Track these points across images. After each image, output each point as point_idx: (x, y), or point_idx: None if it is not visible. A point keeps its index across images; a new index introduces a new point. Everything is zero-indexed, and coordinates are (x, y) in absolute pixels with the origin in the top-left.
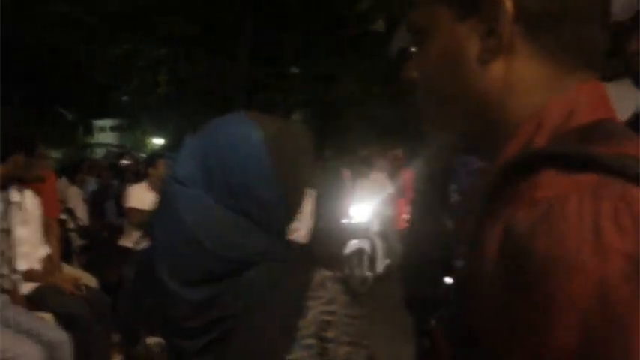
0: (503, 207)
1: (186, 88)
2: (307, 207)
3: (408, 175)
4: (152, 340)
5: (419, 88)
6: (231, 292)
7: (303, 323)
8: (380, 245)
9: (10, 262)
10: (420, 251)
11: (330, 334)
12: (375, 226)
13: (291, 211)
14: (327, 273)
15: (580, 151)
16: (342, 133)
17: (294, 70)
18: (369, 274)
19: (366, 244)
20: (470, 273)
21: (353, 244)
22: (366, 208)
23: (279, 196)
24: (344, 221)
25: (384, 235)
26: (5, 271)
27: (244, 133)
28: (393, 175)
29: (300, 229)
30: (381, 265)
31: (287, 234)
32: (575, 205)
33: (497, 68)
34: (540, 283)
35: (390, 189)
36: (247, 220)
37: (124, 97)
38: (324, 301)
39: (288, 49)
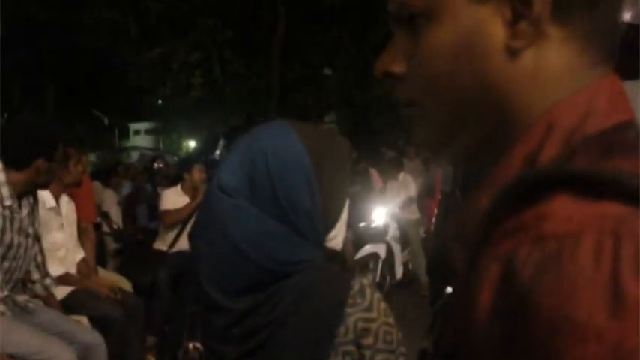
0: (502, 241)
1: (220, 91)
2: (344, 215)
3: (438, 176)
4: (192, 345)
5: (409, 86)
6: (273, 299)
7: (342, 330)
8: (398, 250)
9: (39, 267)
10: (442, 255)
11: (368, 341)
12: (392, 230)
13: (331, 220)
14: (365, 280)
15: (604, 173)
16: (374, 136)
17: (327, 71)
18: (385, 279)
19: (381, 249)
20: (460, 318)
21: (367, 249)
22: (384, 210)
23: (321, 206)
24: (361, 225)
25: (404, 239)
26: (36, 276)
27: (289, 143)
28: (422, 175)
29: (337, 237)
30: (399, 270)
31: (325, 242)
32: (591, 246)
33: (526, 59)
34: (544, 348)
35: (412, 191)
36: (290, 230)
37: (159, 101)
38: (362, 308)
39: (321, 51)
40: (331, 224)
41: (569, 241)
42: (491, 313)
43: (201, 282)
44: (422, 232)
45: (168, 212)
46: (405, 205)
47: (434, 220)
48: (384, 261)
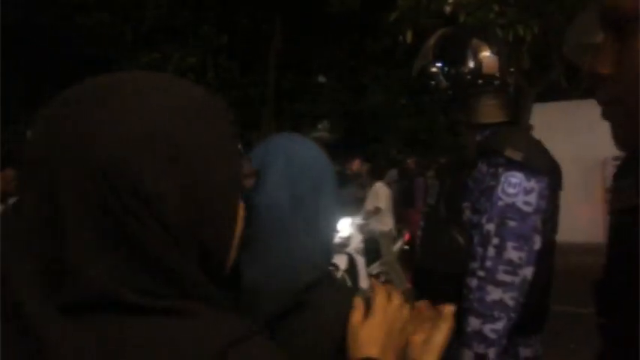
0: None
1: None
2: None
3: (419, 184)
4: None
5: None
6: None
7: None
8: (362, 262)
9: None
10: (431, 267)
11: None
12: (356, 242)
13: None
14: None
15: None
16: (368, 144)
17: (322, 80)
18: None
19: (341, 261)
20: None
21: None
22: (348, 221)
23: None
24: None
25: (375, 251)
26: None
27: (316, 155)
28: (399, 185)
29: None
30: (364, 283)
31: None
32: None
33: None
34: None
35: (382, 202)
36: (320, 237)
37: None
38: None
39: (316, 60)
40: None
41: None
42: None
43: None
44: (399, 243)
45: None
46: (370, 215)
47: (419, 231)
48: (346, 273)
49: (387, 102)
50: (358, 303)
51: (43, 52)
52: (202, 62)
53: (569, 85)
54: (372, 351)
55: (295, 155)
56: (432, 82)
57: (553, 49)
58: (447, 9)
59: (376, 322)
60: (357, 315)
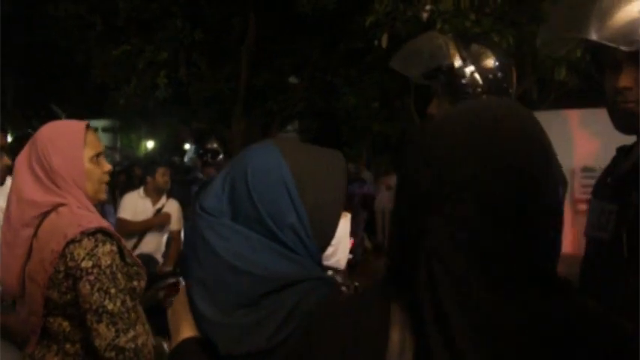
0: None
1: (186, 93)
2: (342, 232)
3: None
4: None
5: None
6: (272, 316)
7: None
8: None
9: None
10: None
11: None
12: None
13: (323, 237)
14: None
15: None
16: (339, 147)
17: (294, 80)
18: None
19: None
20: None
21: None
22: None
23: (307, 222)
24: None
25: None
26: None
27: (270, 161)
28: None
29: (336, 255)
30: None
31: (321, 259)
32: None
33: None
34: None
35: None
36: (281, 246)
37: (121, 99)
38: None
39: (289, 60)
40: (325, 241)
41: None
42: None
43: (196, 306)
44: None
45: (124, 222)
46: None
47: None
48: None
49: (359, 105)
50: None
51: (17, 43)
52: (174, 57)
53: (539, 96)
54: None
55: (239, 161)
56: (463, 82)
57: (526, 59)
58: (424, 15)
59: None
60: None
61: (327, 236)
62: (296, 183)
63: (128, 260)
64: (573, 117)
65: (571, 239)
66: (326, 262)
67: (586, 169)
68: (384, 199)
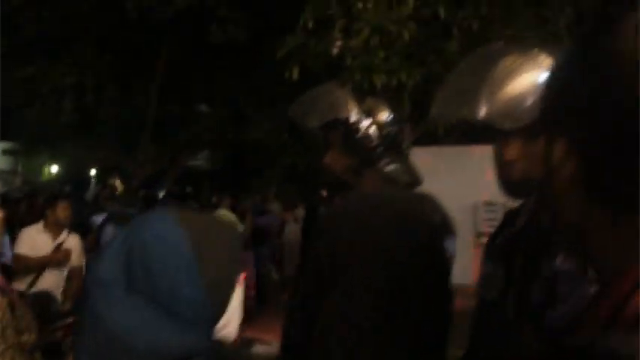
0: None
1: (92, 119)
2: (235, 302)
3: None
4: None
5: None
6: None
7: None
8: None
9: None
10: None
11: None
12: None
13: (218, 308)
14: None
15: None
16: (247, 177)
17: (204, 109)
18: None
19: None
20: None
21: None
22: None
23: (205, 294)
24: None
25: None
26: None
27: (168, 231)
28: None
29: (228, 326)
30: None
31: (215, 331)
32: None
33: None
34: None
35: None
36: (174, 319)
37: (25, 122)
38: None
39: (199, 88)
40: (219, 312)
41: None
42: None
43: None
44: None
45: (21, 258)
46: None
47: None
48: None
49: (269, 136)
50: None
51: None
52: (81, 82)
53: (445, 132)
54: None
55: (135, 229)
56: (358, 136)
57: (432, 96)
58: (334, 51)
59: None
60: None
61: (221, 308)
62: (194, 254)
63: (18, 313)
64: (477, 152)
65: (474, 269)
66: (217, 334)
67: (488, 204)
68: (291, 232)
